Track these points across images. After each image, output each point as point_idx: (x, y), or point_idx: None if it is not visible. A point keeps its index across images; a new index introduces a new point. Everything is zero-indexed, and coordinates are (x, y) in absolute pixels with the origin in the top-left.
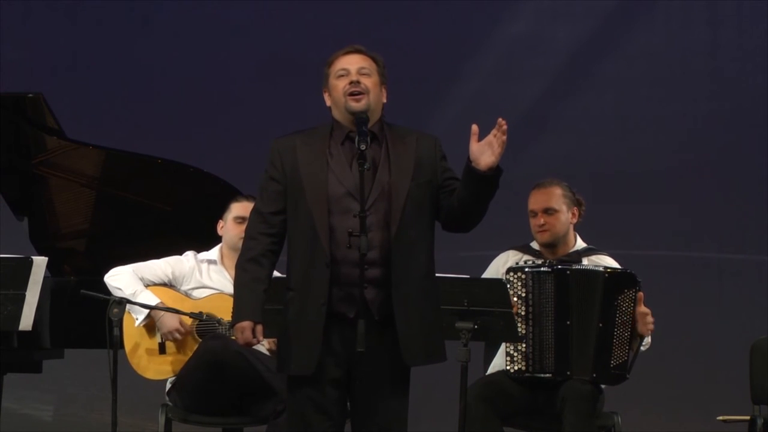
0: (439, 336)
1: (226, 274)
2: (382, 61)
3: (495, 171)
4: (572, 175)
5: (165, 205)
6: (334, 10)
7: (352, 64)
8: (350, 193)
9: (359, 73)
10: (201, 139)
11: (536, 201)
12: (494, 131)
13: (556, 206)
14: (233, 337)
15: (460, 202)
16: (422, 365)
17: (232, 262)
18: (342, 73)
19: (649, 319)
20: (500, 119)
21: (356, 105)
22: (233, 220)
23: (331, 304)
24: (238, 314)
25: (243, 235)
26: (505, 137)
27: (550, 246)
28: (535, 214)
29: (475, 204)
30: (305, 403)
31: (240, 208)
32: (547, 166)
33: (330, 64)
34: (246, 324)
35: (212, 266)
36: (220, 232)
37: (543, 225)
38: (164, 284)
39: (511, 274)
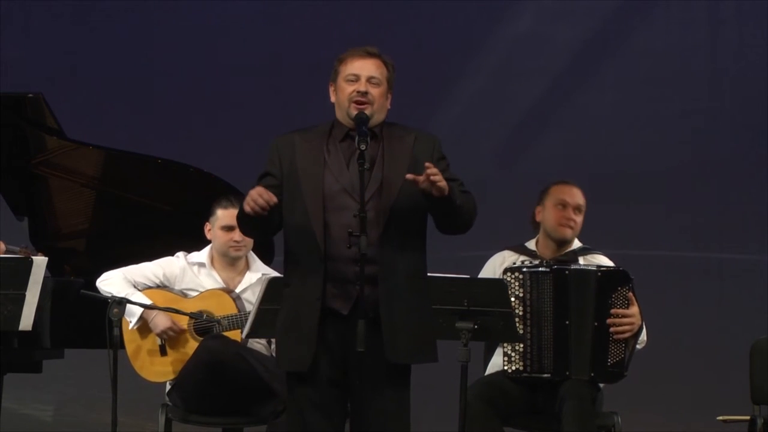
0: (429, 336)
1: (216, 276)
2: (393, 65)
3: (448, 193)
4: (572, 175)
5: (165, 205)
6: (335, 9)
7: (364, 70)
8: (346, 190)
9: (369, 82)
10: (201, 139)
11: (571, 194)
12: (424, 177)
13: (583, 207)
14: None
15: (439, 220)
16: (407, 363)
17: (221, 264)
18: (352, 78)
19: (622, 321)
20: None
21: (358, 113)
22: (221, 229)
23: (325, 300)
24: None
25: (232, 243)
26: (436, 177)
27: (562, 243)
28: (564, 206)
29: (450, 218)
30: (304, 403)
31: (227, 217)
32: (547, 166)
33: (342, 61)
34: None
35: (202, 269)
36: (208, 235)
37: (570, 220)
38: (157, 286)
39: (509, 274)
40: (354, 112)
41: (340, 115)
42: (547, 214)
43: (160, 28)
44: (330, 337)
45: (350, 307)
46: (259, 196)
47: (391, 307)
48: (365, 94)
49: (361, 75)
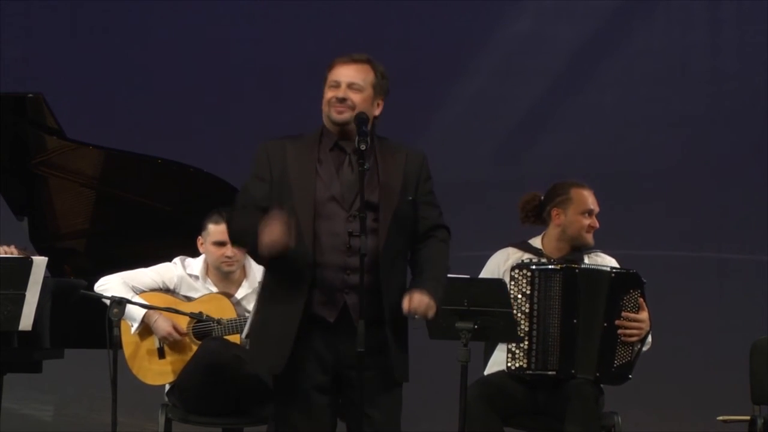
0: (407, 353)
1: (213, 288)
2: (383, 71)
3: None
4: (572, 175)
5: (165, 206)
6: (334, 10)
7: (344, 76)
8: (335, 198)
9: (349, 88)
10: (201, 139)
11: (593, 201)
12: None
13: None
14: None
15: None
16: (402, 381)
17: (217, 277)
18: (333, 84)
19: (632, 324)
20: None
21: (337, 116)
22: (213, 244)
23: (311, 307)
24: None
25: (224, 259)
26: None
27: (578, 246)
28: (591, 214)
29: None
30: (293, 410)
31: (219, 233)
32: (547, 166)
33: (329, 68)
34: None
35: (196, 282)
36: (201, 249)
37: (594, 228)
38: (152, 290)
39: (517, 271)
40: (334, 115)
41: (326, 122)
42: (571, 219)
43: (160, 28)
44: (317, 344)
45: (336, 314)
46: (278, 237)
47: (394, 322)
48: (343, 100)
49: (341, 81)
